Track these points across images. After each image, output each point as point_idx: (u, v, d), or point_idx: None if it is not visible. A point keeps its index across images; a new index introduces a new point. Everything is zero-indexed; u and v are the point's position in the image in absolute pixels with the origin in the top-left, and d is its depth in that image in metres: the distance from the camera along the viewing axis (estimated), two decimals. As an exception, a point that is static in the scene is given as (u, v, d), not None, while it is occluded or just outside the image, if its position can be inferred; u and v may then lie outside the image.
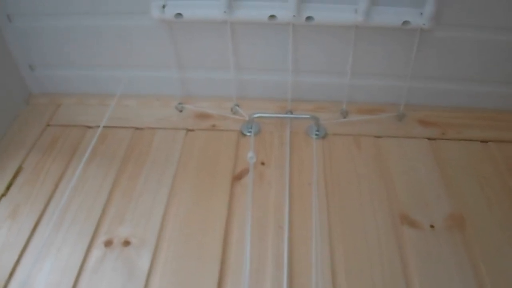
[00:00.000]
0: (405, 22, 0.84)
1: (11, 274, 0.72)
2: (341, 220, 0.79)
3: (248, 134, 0.95)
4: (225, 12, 0.85)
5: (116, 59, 1.01)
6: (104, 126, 0.99)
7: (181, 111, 1.03)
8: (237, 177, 0.87)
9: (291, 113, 1.00)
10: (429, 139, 0.96)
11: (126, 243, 0.76)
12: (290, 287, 0.69)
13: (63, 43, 0.99)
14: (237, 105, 1.01)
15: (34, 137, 0.98)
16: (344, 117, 1.00)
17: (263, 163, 0.90)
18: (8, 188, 0.87)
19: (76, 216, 0.81)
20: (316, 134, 0.95)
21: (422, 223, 0.79)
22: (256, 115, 0.95)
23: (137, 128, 0.99)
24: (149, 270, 0.72)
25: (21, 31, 0.97)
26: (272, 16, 0.85)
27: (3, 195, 0.85)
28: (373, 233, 0.77)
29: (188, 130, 0.98)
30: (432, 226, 0.79)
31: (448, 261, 0.73)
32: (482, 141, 0.96)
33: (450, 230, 0.78)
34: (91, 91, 1.08)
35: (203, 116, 1.02)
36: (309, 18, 0.85)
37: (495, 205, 0.83)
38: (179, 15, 0.86)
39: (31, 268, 0.73)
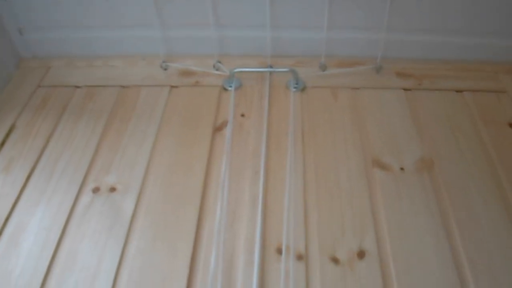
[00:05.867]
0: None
1: (6, 220, 0.78)
2: (315, 165, 0.84)
3: (230, 88, 0.99)
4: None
5: (102, 20, 1.04)
6: (92, 86, 1.03)
7: (165, 69, 1.06)
8: (218, 129, 0.91)
9: (271, 67, 1.03)
10: (405, 89, 0.99)
11: (113, 189, 0.81)
12: (264, 227, 0.74)
13: (50, 5, 1.01)
14: (219, 62, 1.04)
15: (26, 98, 1.02)
16: (323, 70, 1.03)
17: (243, 115, 0.94)
18: (2, 145, 0.92)
19: (66, 167, 0.86)
20: (295, 87, 0.99)
21: (393, 166, 0.83)
22: (236, 70, 0.98)
23: (123, 86, 1.03)
24: (133, 213, 0.77)
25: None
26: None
27: (-3, 151, 0.91)
28: (345, 176, 0.81)
29: (172, 86, 1.02)
30: (402, 169, 0.83)
31: (415, 200, 0.78)
32: (457, 91, 0.99)
33: (419, 172, 0.82)
34: (80, 53, 1.11)
35: (186, 73, 1.05)
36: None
37: (466, 150, 0.86)
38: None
39: (25, 214, 0.79)
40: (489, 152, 0.86)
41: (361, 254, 0.70)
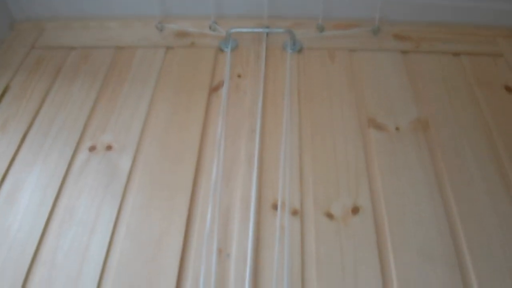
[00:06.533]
0: None
1: (3, 178, 0.78)
2: (311, 124, 0.84)
3: (226, 49, 0.98)
4: None
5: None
6: (87, 47, 1.02)
7: (161, 30, 1.05)
8: (214, 89, 0.91)
9: (268, 28, 1.02)
10: (402, 52, 0.99)
11: (109, 148, 0.81)
12: (259, 184, 0.75)
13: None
14: (216, 23, 1.03)
15: (20, 59, 1.01)
16: (320, 32, 1.02)
17: (239, 76, 0.93)
18: (-4, 105, 0.91)
19: (62, 127, 0.86)
20: (292, 49, 0.98)
21: (388, 126, 0.83)
22: (233, 31, 0.97)
23: (118, 48, 1.02)
24: (129, 170, 0.78)
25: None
26: None
27: (-8, 112, 0.90)
28: (340, 136, 0.82)
29: (168, 48, 1.01)
30: (397, 129, 0.83)
31: (410, 159, 0.78)
32: (454, 54, 0.99)
33: (414, 132, 0.83)
34: (74, 14, 1.10)
35: (182, 34, 1.04)
36: None
37: (461, 112, 0.87)
38: None
39: (21, 173, 0.79)
40: (484, 114, 0.86)
41: (355, 210, 0.71)
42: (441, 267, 0.65)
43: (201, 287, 0.64)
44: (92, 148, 0.81)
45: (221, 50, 0.99)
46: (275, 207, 0.72)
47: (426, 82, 0.92)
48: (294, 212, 0.71)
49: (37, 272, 0.66)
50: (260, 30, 1.01)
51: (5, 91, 0.94)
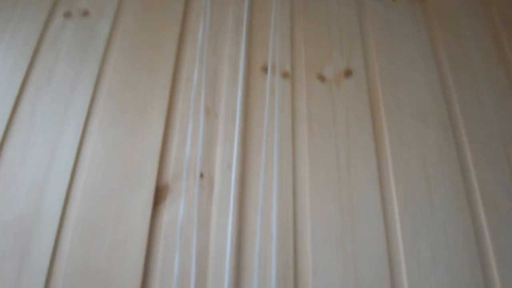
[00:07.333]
0: None
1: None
2: (303, -8, 0.79)
3: None
4: None
5: None
6: None
7: None
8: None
9: None
10: None
11: (86, 13, 0.75)
12: (248, 47, 0.71)
13: None
14: None
15: None
16: None
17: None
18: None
19: (32, -4, 0.79)
20: None
21: (384, -5, 0.79)
22: None
23: None
24: (108, 37, 0.72)
25: None
26: None
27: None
28: (334, 3, 0.77)
29: None
30: (393, -1, 0.79)
31: (406, 29, 0.75)
32: None
33: (411, 2, 0.78)
34: None
35: None
36: None
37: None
38: None
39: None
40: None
41: (348, 73, 0.68)
42: (433, 127, 0.64)
43: (188, 145, 0.61)
44: (67, 15, 0.75)
45: None
46: (265, 69, 0.68)
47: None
48: (285, 75, 0.68)
49: (14, 135, 0.63)
50: None
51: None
